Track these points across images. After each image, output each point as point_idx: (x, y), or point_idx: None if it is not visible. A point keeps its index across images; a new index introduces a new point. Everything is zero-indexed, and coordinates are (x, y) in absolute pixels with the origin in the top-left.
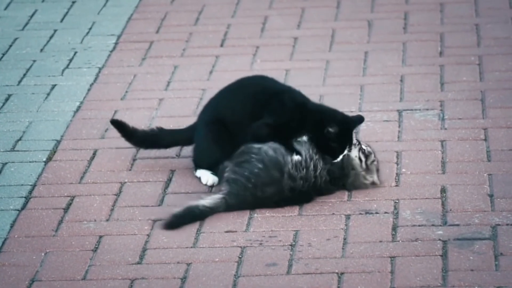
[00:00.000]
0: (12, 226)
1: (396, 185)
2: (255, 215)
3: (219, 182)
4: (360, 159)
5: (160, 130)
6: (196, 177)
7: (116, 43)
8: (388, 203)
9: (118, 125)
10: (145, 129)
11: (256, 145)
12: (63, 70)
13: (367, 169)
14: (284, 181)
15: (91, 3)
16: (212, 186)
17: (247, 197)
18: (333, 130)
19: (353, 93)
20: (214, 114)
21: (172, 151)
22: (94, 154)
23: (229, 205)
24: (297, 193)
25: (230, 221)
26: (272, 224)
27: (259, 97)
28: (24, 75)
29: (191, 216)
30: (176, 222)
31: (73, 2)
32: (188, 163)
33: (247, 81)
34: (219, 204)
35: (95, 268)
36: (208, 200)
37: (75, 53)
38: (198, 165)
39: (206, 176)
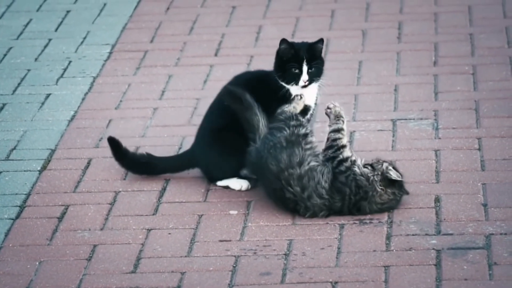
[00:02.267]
0: (6, 235)
1: None
2: (249, 224)
3: None
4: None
5: (150, 157)
6: (221, 186)
7: (110, 53)
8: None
9: (113, 143)
10: (136, 154)
11: (294, 118)
12: (57, 79)
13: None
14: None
15: (85, 13)
16: (244, 190)
17: (262, 166)
18: (282, 46)
19: (347, 102)
20: (221, 121)
21: None
22: (89, 163)
23: (251, 158)
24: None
25: (224, 230)
26: (266, 233)
27: (257, 90)
28: (19, 84)
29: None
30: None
31: (68, 12)
32: (182, 172)
33: (242, 78)
34: (260, 132)
35: (89, 277)
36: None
37: (70, 62)
38: (219, 177)
39: (237, 182)
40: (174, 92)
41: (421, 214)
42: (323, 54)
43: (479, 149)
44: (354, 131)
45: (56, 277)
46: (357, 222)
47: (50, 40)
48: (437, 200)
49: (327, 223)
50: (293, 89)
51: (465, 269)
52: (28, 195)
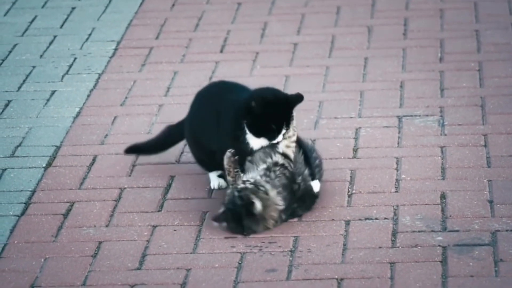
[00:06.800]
0: (11, 232)
1: (396, 191)
2: None
3: None
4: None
5: (169, 128)
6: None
7: (115, 49)
8: (387, 209)
9: (133, 150)
10: (155, 137)
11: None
12: (62, 76)
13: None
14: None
15: (90, 9)
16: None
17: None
18: (254, 104)
19: (352, 99)
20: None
21: (172, 156)
22: (94, 160)
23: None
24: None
25: None
26: (271, 230)
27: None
28: (24, 81)
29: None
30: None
31: (73, 8)
32: (187, 169)
33: (208, 93)
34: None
35: (94, 273)
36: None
37: (75, 59)
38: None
39: (216, 180)
40: (180, 89)
41: (427, 211)
42: (327, 51)
43: (485, 146)
44: (360, 128)
45: (61, 273)
46: (362, 218)
47: (55, 37)
48: (443, 196)
49: (333, 219)
50: (255, 140)
51: (471, 266)
52: (33, 192)
